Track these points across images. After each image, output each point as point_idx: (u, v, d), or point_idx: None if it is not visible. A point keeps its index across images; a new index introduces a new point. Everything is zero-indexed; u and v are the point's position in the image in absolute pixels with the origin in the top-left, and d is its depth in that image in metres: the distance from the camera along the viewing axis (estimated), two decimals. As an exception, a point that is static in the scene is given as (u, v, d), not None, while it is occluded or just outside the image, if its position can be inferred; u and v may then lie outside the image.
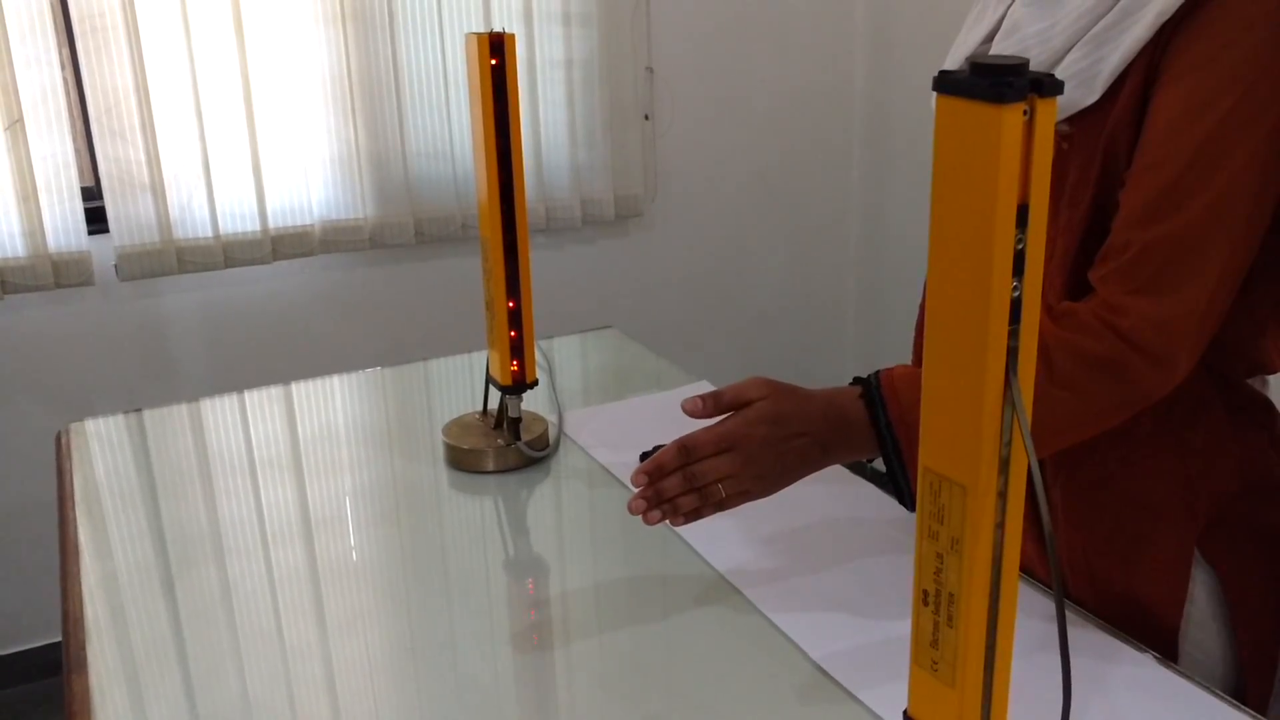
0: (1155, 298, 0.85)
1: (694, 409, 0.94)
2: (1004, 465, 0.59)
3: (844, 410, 0.94)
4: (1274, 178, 0.84)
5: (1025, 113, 0.53)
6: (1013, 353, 0.57)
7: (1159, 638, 0.96)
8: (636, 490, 0.92)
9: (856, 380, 0.95)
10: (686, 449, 0.92)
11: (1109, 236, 0.88)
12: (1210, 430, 0.95)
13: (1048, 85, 0.53)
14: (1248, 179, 0.83)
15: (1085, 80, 0.87)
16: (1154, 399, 0.89)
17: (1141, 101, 0.87)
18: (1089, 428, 0.90)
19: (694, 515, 0.93)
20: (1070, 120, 0.90)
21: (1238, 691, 0.97)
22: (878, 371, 0.94)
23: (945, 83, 0.54)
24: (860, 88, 3.12)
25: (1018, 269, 0.56)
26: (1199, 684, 0.86)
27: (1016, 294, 0.56)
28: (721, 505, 0.93)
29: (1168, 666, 0.88)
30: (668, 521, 0.92)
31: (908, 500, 0.93)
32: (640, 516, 0.91)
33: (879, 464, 0.94)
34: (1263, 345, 0.95)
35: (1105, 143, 0.88)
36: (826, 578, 1.01)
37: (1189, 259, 0.84)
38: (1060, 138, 0.91)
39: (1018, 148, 0.54)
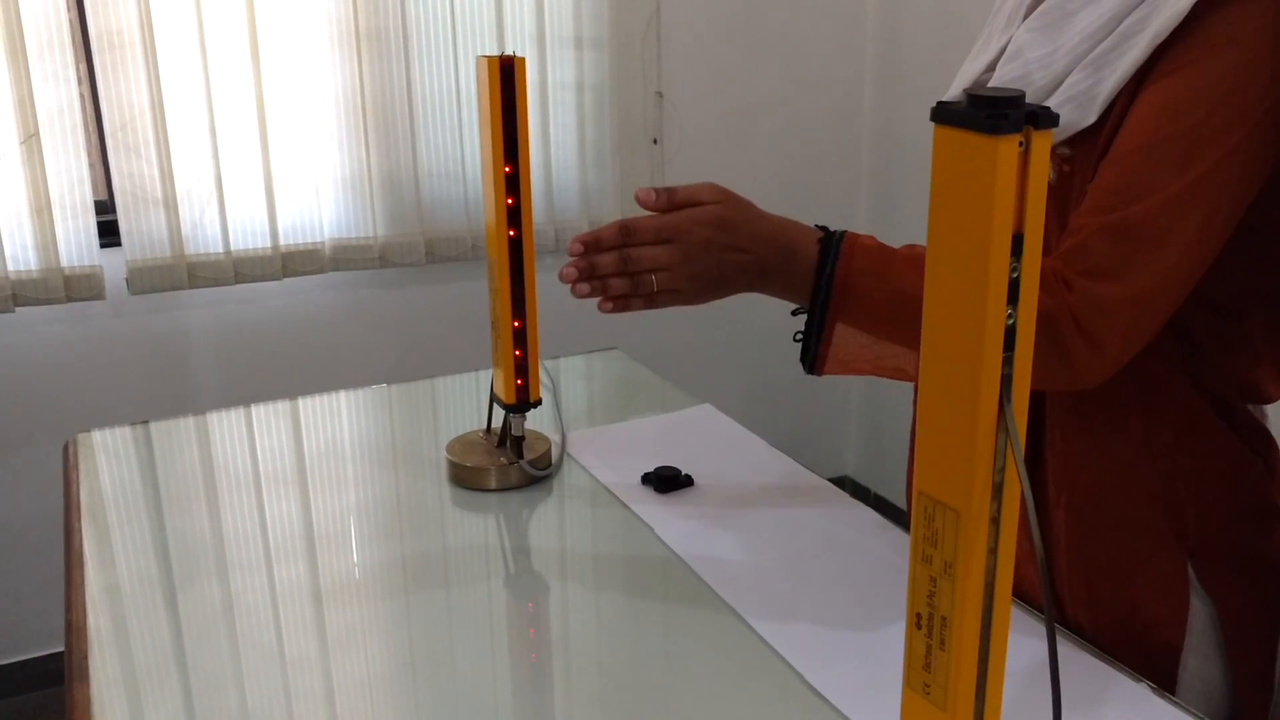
0: (1097, 280, 0.86)
1: (645, 198, 0.95)
2: (997, 491, 0.60)
3: (795, 244, 0.94)
4: (1237, 191, 0.86)
5: (1021, 144, 0.54)
6: (1007, 380, 0.58)
7: (1159, 661, 0.96)
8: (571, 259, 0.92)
9: (822, 228, 0.95)
10: (627, 230, 0.93)
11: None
12: (1200, 453, 0.96)
13: (1043, 117, 0.54)
14: (1208, 187, 0.84)
15: (1084, 102, 0.88)
16: (1083, 381, 0.89)
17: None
18: None
19: (622, 304, 0.94)
20: (1070, 143, 0.91)
21: (1234, 722, 0.97)
22: (845, 230, 0.94)
23: (942, 114, 0.56)
24: (869, 113, 3.14)
25: (1012, 297, 0.57)
26: (1194, 715, 0.86)
27: (1011, 322, 0.57)
28: (651, 301, 0.94)
29: (1163, 696, 0.88)
30: (598, 306, 0.93)
31: (808, 361, 0.93)
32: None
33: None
34: (1258, 375, 0.96)
35: (1099, 161, 0.90)
36: (825, 601, 1.01)
37: (1136, 249, 0.85)
38: (1062, 160, 0.92)
39: (1013, 178, 0.55)
